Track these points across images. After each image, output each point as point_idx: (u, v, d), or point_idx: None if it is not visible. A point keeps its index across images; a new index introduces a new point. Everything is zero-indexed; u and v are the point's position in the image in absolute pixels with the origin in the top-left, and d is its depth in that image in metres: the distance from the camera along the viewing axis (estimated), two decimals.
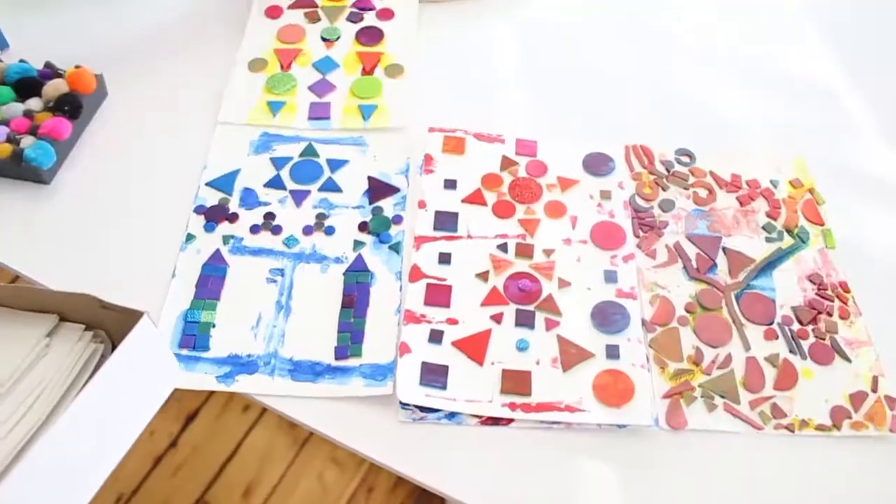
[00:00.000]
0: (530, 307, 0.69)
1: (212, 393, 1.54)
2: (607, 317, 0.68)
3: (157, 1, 0.94)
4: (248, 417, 1.51)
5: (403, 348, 0.65)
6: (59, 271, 0.70)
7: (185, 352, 0.66)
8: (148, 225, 0.74)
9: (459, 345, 0.66)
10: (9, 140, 0.76)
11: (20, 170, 0.75)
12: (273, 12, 0.91)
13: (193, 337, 0.67)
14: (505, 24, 0.94)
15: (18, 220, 0.74)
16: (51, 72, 0.82)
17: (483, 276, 0.70)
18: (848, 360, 0.69)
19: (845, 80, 0.92)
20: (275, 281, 0.70)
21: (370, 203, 0.75)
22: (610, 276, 0.71)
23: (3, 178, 0.76)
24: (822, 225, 0.78)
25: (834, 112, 0.88)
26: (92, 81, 0.81)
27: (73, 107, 0.79)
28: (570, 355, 0.66)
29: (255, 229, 0.73)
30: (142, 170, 0.78)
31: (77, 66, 0.81)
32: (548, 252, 0.72)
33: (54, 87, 0.79)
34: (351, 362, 0.65)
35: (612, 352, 0.67)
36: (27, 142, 0.75)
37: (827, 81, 0.92)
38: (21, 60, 0.82)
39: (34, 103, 0.79)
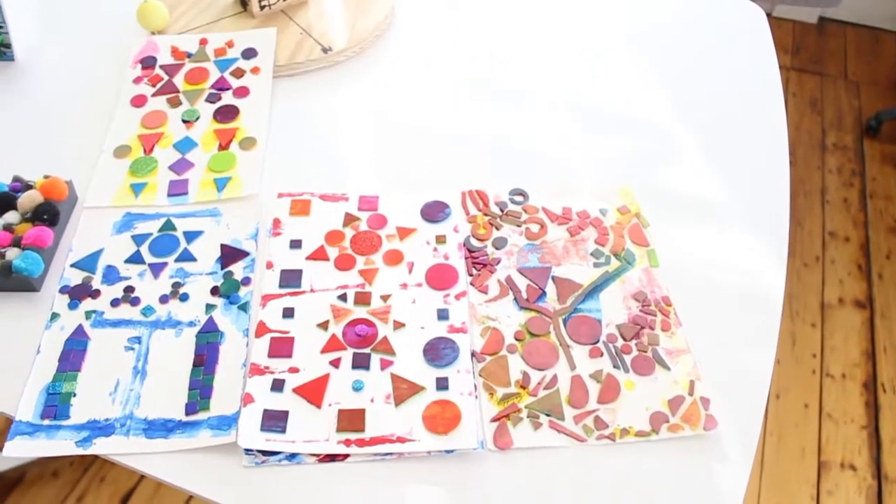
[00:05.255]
0: (366, 350, 0.74)
1: None
2: (438, 352, 0.74)
3: (23, 95, 1.01)
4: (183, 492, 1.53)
5: (247, 398, 0.71)
6: None
7: (46, 422, 0.71)
8: (16, 306, 0.79)
9: (299, 391, 0.71)
10: None
11: (9, 281, 0.78)
12: (138, 101, 0.98)
13: (55, 407, 0.72)
14: (350, 91, 1.02)
15: None
16: (21, 184, 0.86)
17: (323, 325, 0.76)
18: (668, 368, 0.75)
19: (667, 111, 1.00)
20: (132, 348, 0.76)
21: (222, 268, 0.81)
22: (442, 314, 0.77)
23: None
24: (647, 246, 0.84)
25: (658, 141, 0.96)
26: (64, 189, 0.85)
27: (51, 215, 0.83)
28: (402, 391, 0.72)
29: (115, 303, 0.79)
30: None
31: (46, 176, 0.85)
32: (385, 297, 0.78)
33: (30, 199, 0.83)
34: (200, 416, 0.70)
35: (442, 384, 0.72)
36: (12, 254, 0.79)
37: (649, 113, 1.00)
38: None
39: (11, 216, 0.83)
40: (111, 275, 0.81)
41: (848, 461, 1.66)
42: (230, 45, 1.04)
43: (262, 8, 1.08)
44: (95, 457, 0.70)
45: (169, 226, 0.85)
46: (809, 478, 1.63)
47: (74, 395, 0.72)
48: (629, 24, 1.14)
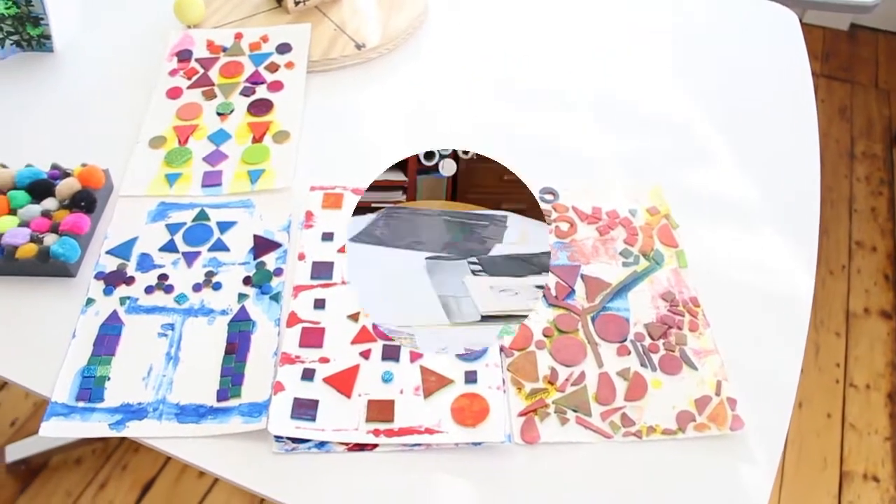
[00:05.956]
0: (396, 342, 0.75)
1: (167, 461, 1.59)
2: None
3: (62, 86, 1.03)
4: (204, 482, 1.55)
5: (277, 387, 0.72)
6: None
7: (81, 404, 0.72)
8: (53, 291, 0.80)
9: (330, 380, 0.72)
10: (32, 240, 0.81)
11: (47, 266, 0.80)
12: (173, 93, 0.99)
13: (89, 390, 0.73)
14: (383, 87, 1.03)
15: None
16: (59, 172, 0.87)
17: (354, 317, 0.77)
18: (695, 368, 0.75)
19: (697, 113, 1.00)
20: (165, 335, 0.77)
21: (255, 259, 0.82)
22: None
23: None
24: (676, 247, 0.84)
25: (688, 143, 0.96)
26: (101, 177, 0.87)
27: (88, 202, 0.84)
28: (431, 383, 0.72)
29: (149, 290, 0.80)
30: None
31: (84, 165, 0.87)
32: None
33: (68, 186, 0.85)
34: (231, 403, 0.71)
35: (471, 377, 0.73)
36: (50, 239, 0.81)
37: (680, 115, 1.00)
38: (28, 165, 0.88)
39: (49, 203, 0.85)
40: (145, 262, 0.82)
41: (871, 472, 1.65)
42: (265, 39, 1.06)
43: (296, 4, 1.09)
44: (118, 445, 0.71)
45: (203, 216, 0.86)
46: (831, 489, 1.62)
47: (108, 378, 0.74)
48: (661, 25, 1.14)
